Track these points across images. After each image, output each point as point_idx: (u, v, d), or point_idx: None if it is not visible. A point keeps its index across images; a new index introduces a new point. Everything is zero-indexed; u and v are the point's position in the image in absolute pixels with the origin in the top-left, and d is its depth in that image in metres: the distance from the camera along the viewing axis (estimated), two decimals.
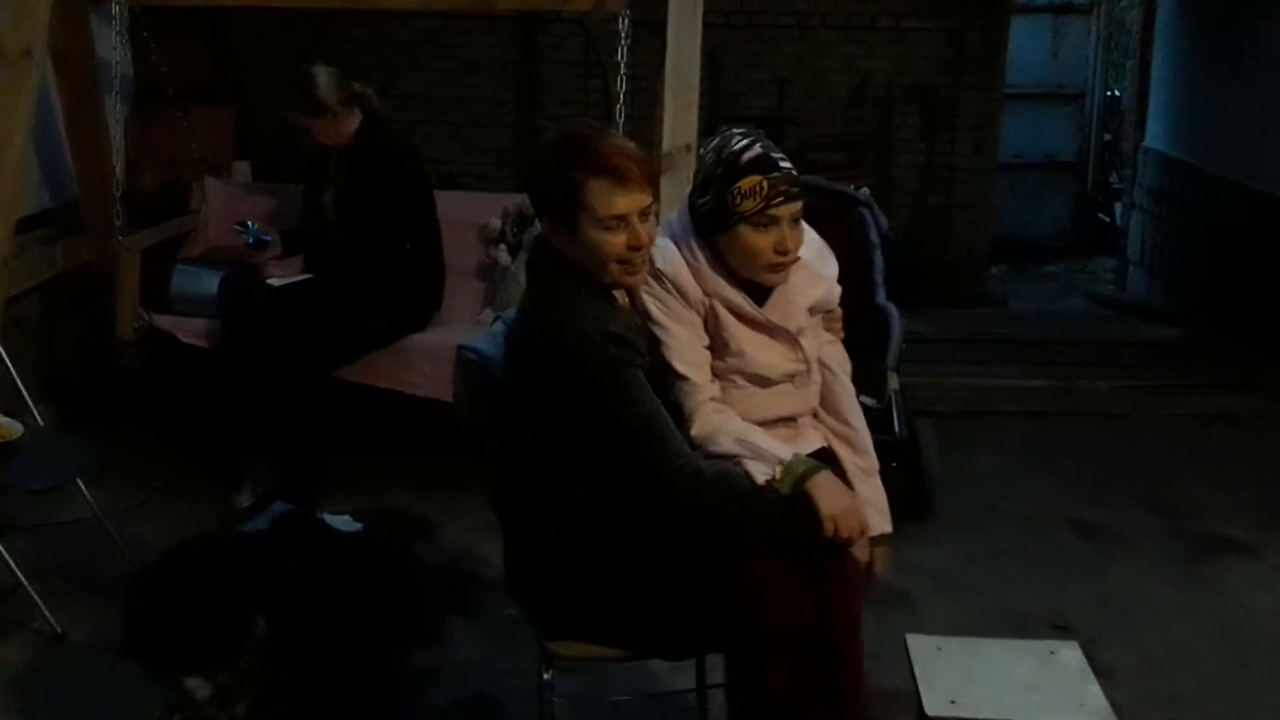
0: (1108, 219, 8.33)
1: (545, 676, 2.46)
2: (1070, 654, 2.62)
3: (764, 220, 2.39)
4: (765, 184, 2.37)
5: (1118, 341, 6.31)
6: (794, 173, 2.42)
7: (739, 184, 2.36)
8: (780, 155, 2.41)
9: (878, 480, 2.61)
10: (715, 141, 2.46)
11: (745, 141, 2.40)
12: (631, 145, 2.35)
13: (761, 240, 2.40)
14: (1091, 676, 2.52)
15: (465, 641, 3.40)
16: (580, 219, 2.28)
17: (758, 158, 2.38)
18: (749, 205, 2.37)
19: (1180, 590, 3.78)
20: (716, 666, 2.61)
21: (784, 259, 2.43)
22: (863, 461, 2.60)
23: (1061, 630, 3.06)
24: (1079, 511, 4.34)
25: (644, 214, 2.32)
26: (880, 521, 2.53)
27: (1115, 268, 7.79)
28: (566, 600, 2.41)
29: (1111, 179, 8.49)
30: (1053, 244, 8.37)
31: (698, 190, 2.44)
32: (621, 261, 2.31)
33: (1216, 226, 6.37)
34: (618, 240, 2.29)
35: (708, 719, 2.86)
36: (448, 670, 3.26)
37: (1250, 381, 5.59)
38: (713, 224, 2.42)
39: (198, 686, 2.65)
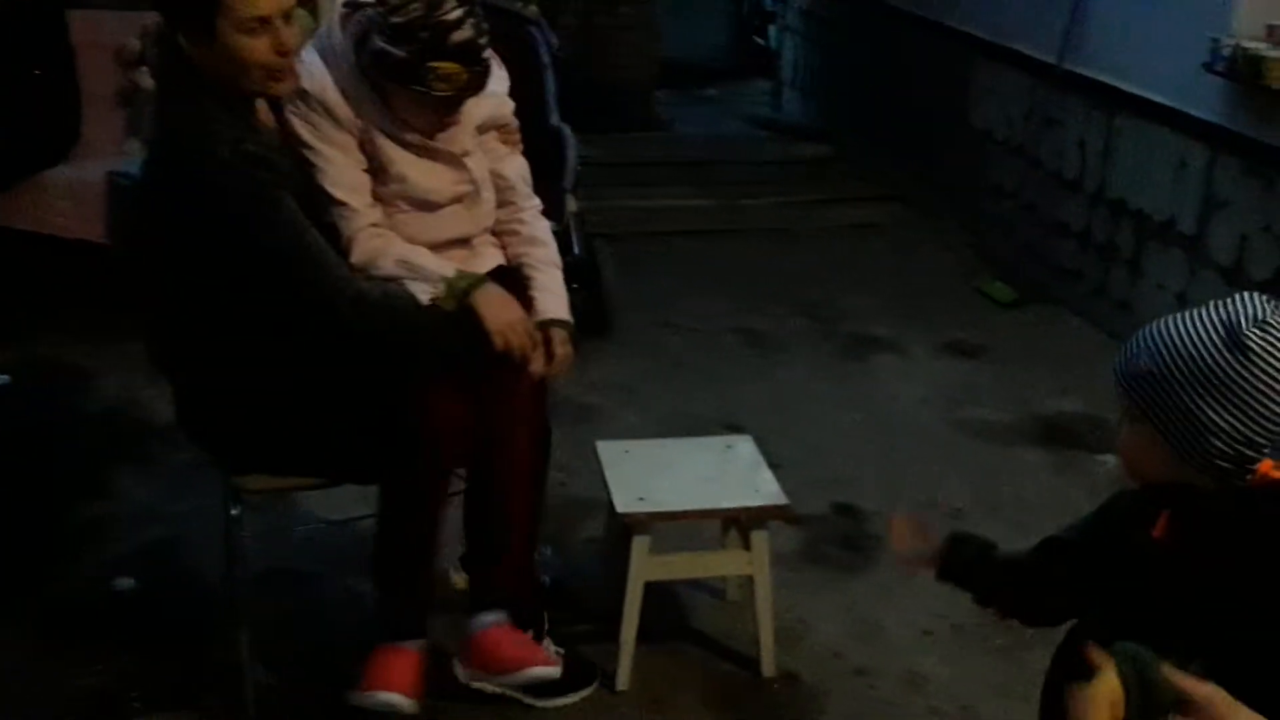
0: (763, 42, 8.58)
1: (233, 512, 2.39)
2: (745, 447, 2.80)
3: (447, 104, 2.32)
4: (465, 76, 2.26)
5: (775, 160, 6.59)
6: (489, 60, 2.32)
7: (438, 65, 2.23)
8: (485, 39, 2.28)
9: (558, 273, 2.59)
10: None
11: (459, 13, 2.22)
12: None
13: (429, 114, 2.33)
14: (764, 465, 2.71)
15: (136, 490, 3.26)
16: (218, 24, 2.11)
17: (466, 44, 2.23)
18: (441, 88, 2.26)
19: (837, 386, 4.09)
20: None
21: (446, 128, 2.37)
22: (542, 252, 2.58)
23: (735, 429, 3.25)
24: (745, 321, 4.59)
25: (287, 17, 2.17)
26: (560, 308, 2.51)
27: (770, 89, 8.08)
28: (249, 435, 2.34)
29: (765, 2, 8.72)
30: (712, 67, 8.55)
31: (390, 34, 2.23)
32: (266, 68, 2.17)
33: (861, 47, 6.71)
34: (261, 45, 2.14)
35: None
36: (122, 521, 3.12)
37: (893, 194, 6.00)
38: (388, 73, 2.28)
39: None
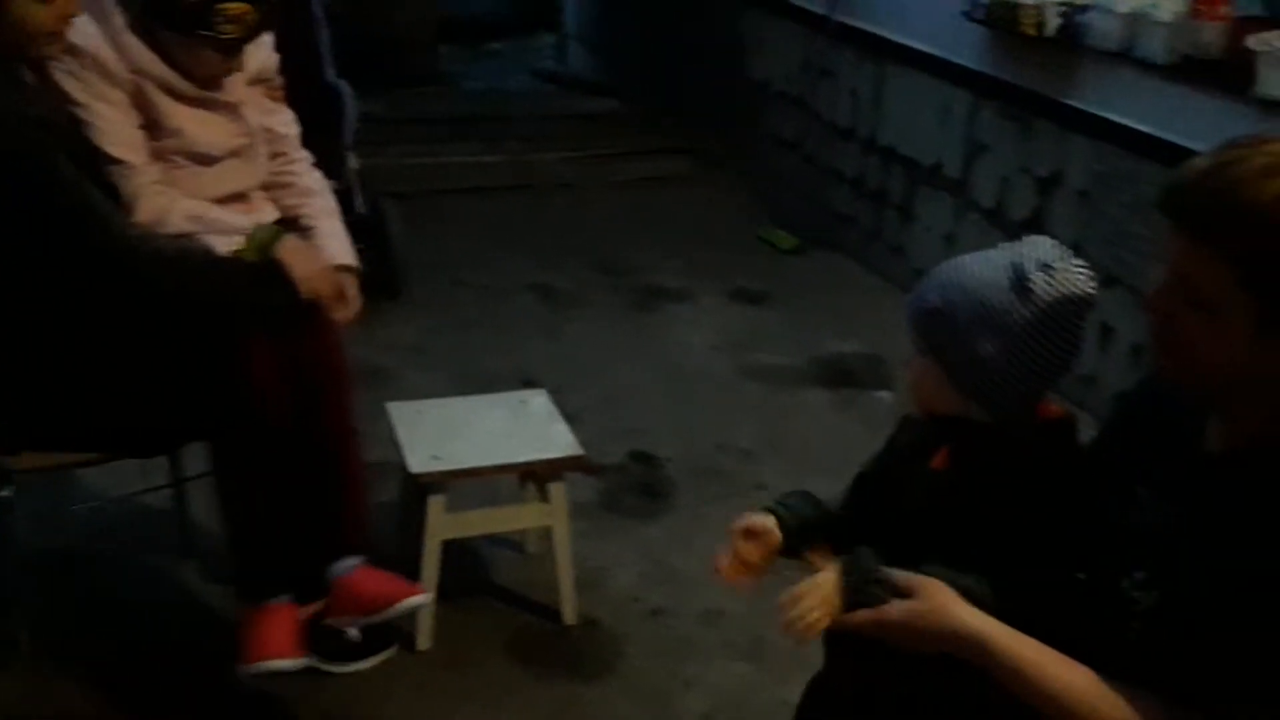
0: None
1: (3, 493, 2.27)
2: (539, 401, 2.82)
3: (233, 48, 2.27)
4: (253, 15, 2.22)
5: (562, 115, 6.57)
6: None
7: (226, 7, 2.19)
8: None
9: (338, 220, 2.58)
10: None
11: None
12: None
13: (217, 60, 2.30)
14: (559, 418, 2.73)
15: None
16: None
17: None
18: (229, 30, 2.21)
19: (630, 338, 4.15)
20: (193, 456, 2.55)
21: (229, 74, 2.34)
22: (319, 202, 2.57)
23: (530, 385, 3.27)
24: (537, 277, 4.59)
25: None
26: (347, 254, 2.50)
27: (555, 43, 8.04)
28: (21, 410, 2.23)
29: None
30: (496, 21, 8.45)
31: None
32: (52, 35, 2.10)
33: (643, 1, 6.75)
34: (51, 13, 2.07)
35: (189, 512, 2.79)
36: None
37: (679, 146, 6.08)
38: (174, 22, 2.22)
39: None
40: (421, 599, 2.43)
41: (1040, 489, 1.40)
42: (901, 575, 1.34)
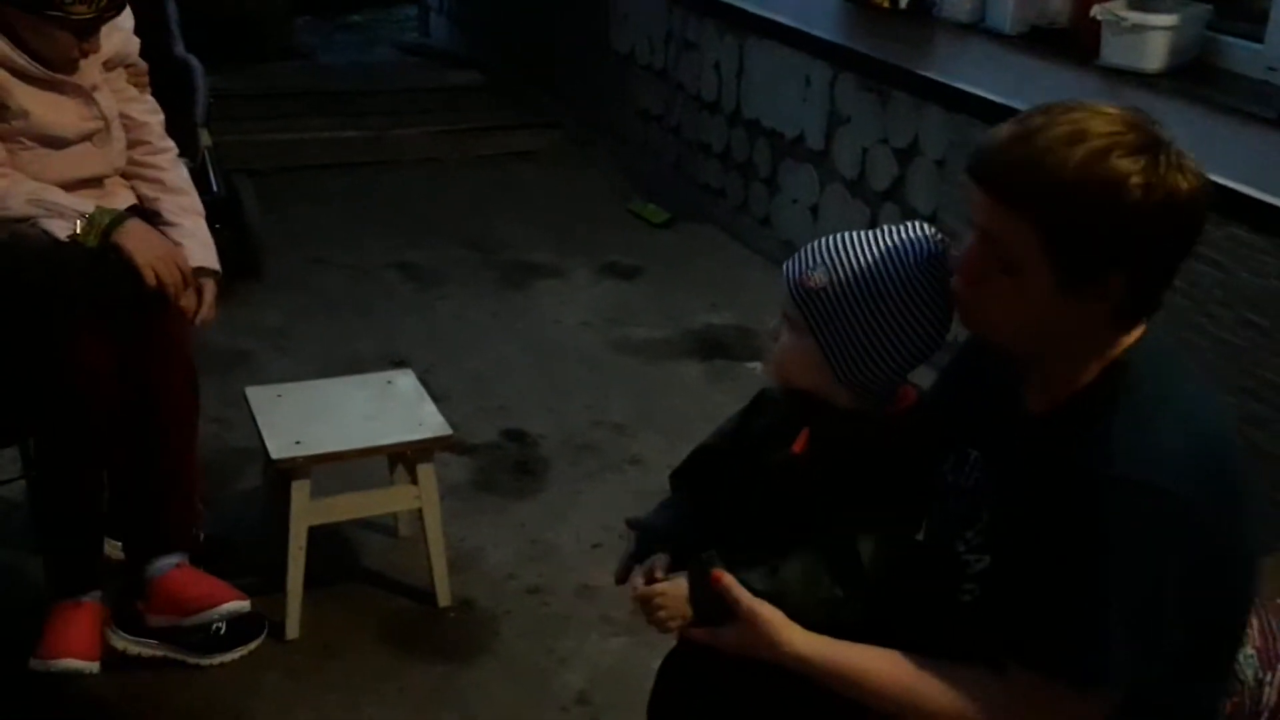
0: None
1: None
2: (405, 381, 2.77)
3: (85, 29, 2.19)
4: None
5: (425, 88, 6.46)
6: None
7: None
8: None
9: (202, 220, 2.50)
10: None
11: None
12: None
13: (71, 41, 2.21)
14: (427, 398, 2.69)
15: None
16: None
17: None
18: (80, 11, 2.14)
19: (499, 316, 4.11)
20: None
21: (83, 56, 2.26)
22: (182, 200, 2.49)
23: (397, 366, 3.21)
24: (403, 255, 4.51)
25: None
26: (208, 257, 2.43)
27: (417, 15, 7.90)
28: None
29: None
30: None
31: None
32: None
33: None
34: None
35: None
36: None
37: (544, 121, 6.03)
38: (21, 1, 2.14)
39: None
40: (243, 604, 2.36)
41: (897, 473, 1.42)
42: (740, 597, 1.37)
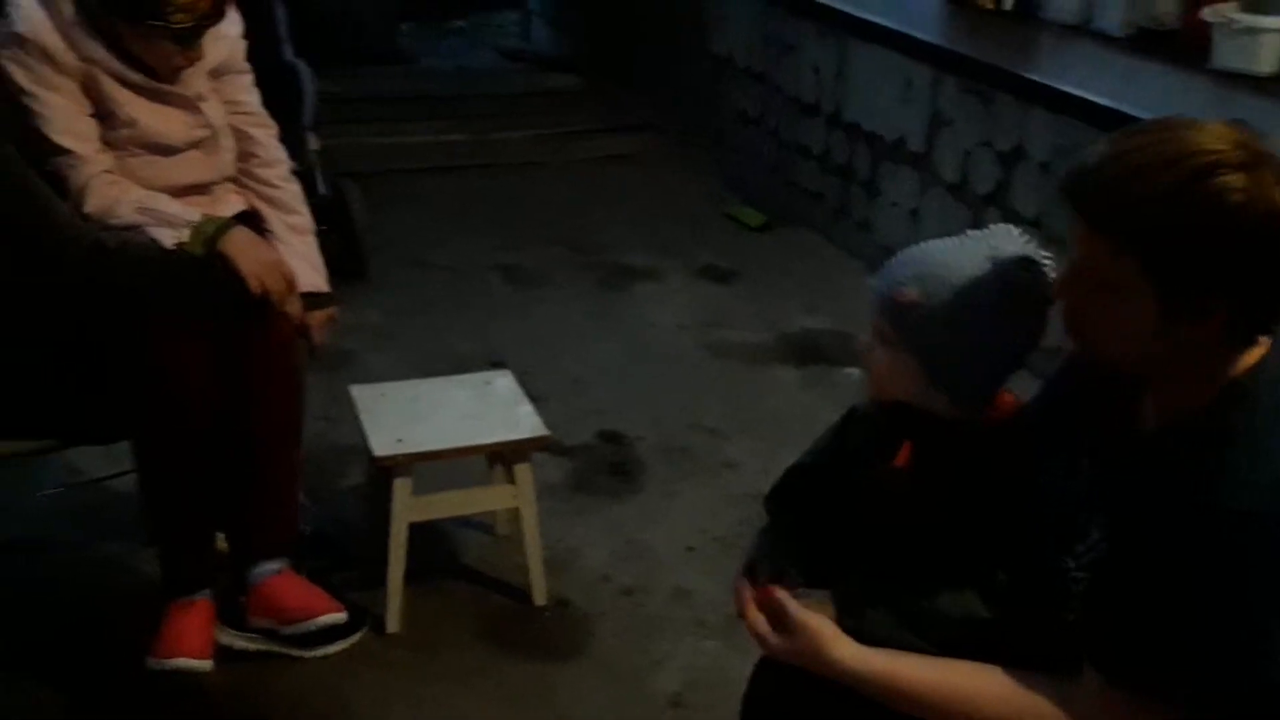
0: None
1: None
2: (504, 382, 2.80)
3: (187, 37, 2.24)
4: (202, 2, 2.20)
5: (525, 92, 6.54)
6: None
7: None
8: None
9: (312, 239, 2.56)
10: None
11: None
12: None
13: (170, 51, 2.26)
14: (525, 399, 2.72)
15: None
16: None
17: None
18: (180, 19, 2.18)
19: (595, 318, 4.14)
20: None
21: (187, 65, 2.31)
22: (292, 219, 2.54)
23: (496, 366, 3.25)
24: (502, 257, 4.57)
25: None
26: (315, 279, 2.50)
27: (519, 20, 7.99)
28: None
29: None
30: None
31: None
32: None
33: None
34: None
35: None
36: None
37: (643, 124, 6.06)
38: (123, 11, 2.19)
39: None
40: (339, 616, 2.42)
41: (1004, 482, 1.40)
42: (789, 608, 1.38)
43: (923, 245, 1.43)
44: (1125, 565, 1.26)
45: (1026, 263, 1.38)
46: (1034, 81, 3.64)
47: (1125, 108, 3.27)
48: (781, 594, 1.40)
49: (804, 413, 3.47)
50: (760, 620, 1.43)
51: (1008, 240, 1.40)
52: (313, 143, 3.89)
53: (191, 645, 2.31)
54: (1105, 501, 1.33)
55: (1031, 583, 1.37)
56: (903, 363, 1.42)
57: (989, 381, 1.41)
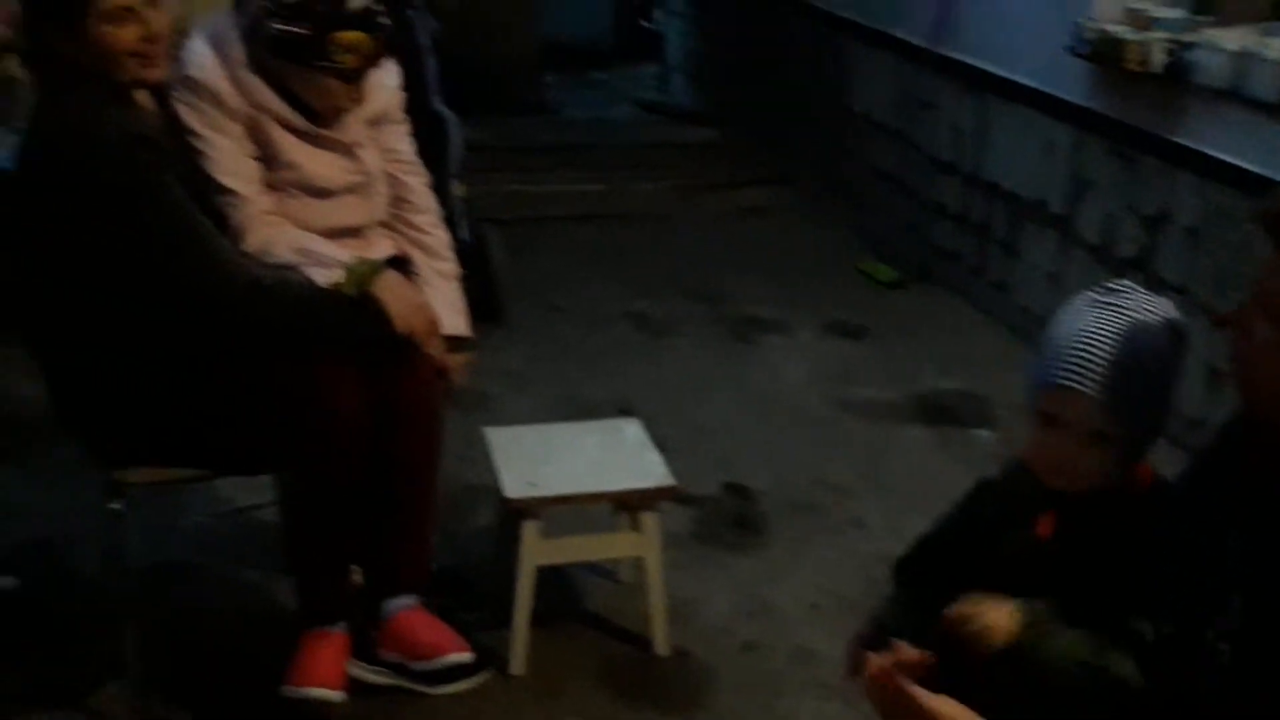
0: (650, 25, 8.62)
1: (114, 506, 2.35)
2: (632, 430, 2.84)
3: (353, 77, 2.33)
4: (369, 43, 2.29)
5: (662, 144, 6.62)
6: (389, 25, 2.36)
7: (341, 36, 2.26)
8: (380, 7, 2.32)
9: (456, 284, 2.64)
10: None
11: None
12: None
13: (340, 89, 2.35)
14: (652, 447, 2.75)
15: (15, 488, 3.18)
16: (86, 16, 2.11)
17: (364, 10, 2.29)
18: (346, 60, 2.28)
19: (724, 368, 4.15)
20: None
21: (351, 106, 2.41)
22: (439, 265, 2.62)
23: (625, 413, 3.29)
24: (634, 305, 4.62)
25: (153, 2, 2.17)
26: (458, 323, 2.57)
27: (658, 73, 8.12)
28: (129, 425, 2.31)
29: None
30: (600, 51, 8.57)
31: (287, 14, 2.26)
32: (137, 55, 2.16)
33: (744, 31, 6.78)
34: (129, 33, 2.14)
35: None
36: None
37: (777, 177, 6.09)
38: (290, 54, 2.30)
39: None
40: (466, 656, 2.46)
41: (1148, 551, 1.38)
42: (916, 695, 1.35)
43: (1081, 332, 1.42)
44: (1269, 639, 1.22)
45: (1182, 326, 1.41)
46: (1181, 145, 3.56)
47: (1276, 174, 3.18)
48: (901, 680, 1.37)
49: (934, 474, 3.42)
50: (881, 696, 1.41)
51: (1154, 297, 1.43)
52: (457, 189, 4.01)
53: (325, 676, 2.37)
54: (1250, 573, 1.30)
55: (1173, 651, 1.34)
56: (1097, 450, 1.41)
57: (1147, 448, 1.41)
